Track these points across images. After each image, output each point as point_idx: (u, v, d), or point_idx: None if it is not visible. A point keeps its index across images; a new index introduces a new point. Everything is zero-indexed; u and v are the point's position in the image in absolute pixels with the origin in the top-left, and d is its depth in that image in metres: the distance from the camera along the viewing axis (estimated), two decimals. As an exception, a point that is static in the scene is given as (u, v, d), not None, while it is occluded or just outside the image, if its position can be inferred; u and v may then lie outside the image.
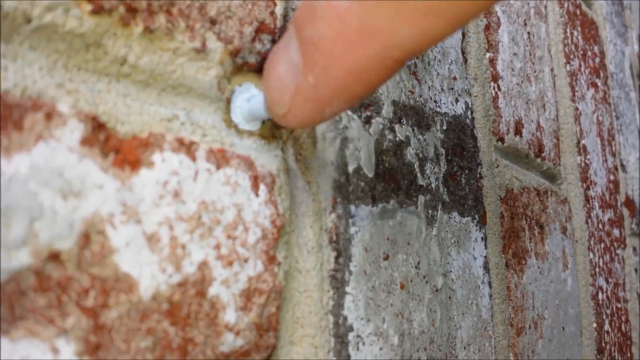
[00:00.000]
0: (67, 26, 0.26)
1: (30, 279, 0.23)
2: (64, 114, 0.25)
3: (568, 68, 0.81)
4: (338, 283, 0.36)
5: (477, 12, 0.27)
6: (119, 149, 0.26)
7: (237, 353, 0.30)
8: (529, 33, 0.70)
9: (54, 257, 0.23)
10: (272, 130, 0.35)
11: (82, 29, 0.26)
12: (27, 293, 0.23)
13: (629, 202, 0.97)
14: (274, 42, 0.36)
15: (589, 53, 0.91)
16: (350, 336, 0.36)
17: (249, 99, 0.34)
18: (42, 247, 0.23)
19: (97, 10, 0.27)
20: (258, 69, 0.35)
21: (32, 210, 0.23)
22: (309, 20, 0.28)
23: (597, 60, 0.94)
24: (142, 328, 0.26)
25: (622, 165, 0.97)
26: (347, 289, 0.37)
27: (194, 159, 0.29)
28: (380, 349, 0.38)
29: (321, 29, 0.28)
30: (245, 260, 0.31)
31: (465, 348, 0.47)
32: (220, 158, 0.31)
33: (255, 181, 0.33)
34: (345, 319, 0.36)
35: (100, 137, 0.26)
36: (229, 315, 0.30)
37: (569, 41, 0.83)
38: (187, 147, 0.29)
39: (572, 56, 0.83)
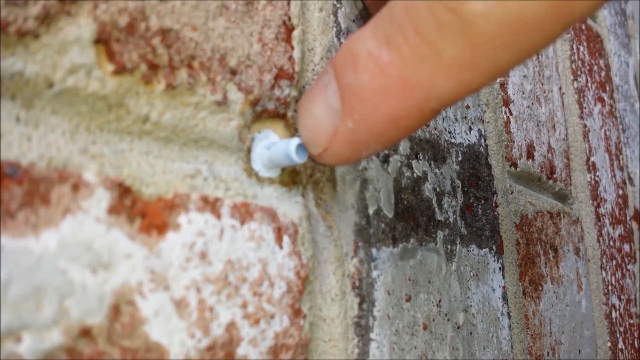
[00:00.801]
0: (90, 88, 0.26)
1: (62, 357, 0.22)
2: (90, 183, 0.24)
3: (575, 85, 0.80)
4: (362, 330, 0.36)
5: (515, 64, 0.26)
6: (145, 213, 0.26)
7: (266, 412, 0.30)
8: (537, 53, 0.70)
9: (85, 332, 0.23)
10: (291, 176, 0.35)
11: (105, 90, 0.26)
12: (59, 372, 0.22)
13: (637, 216, 0.96)
14: (291, 87, 0.35)
15: (595, 67, 0.90)
16: (376, 383, 0.36)
17: (269, 147, 0.33)
18: (74, 324, 0.22)
19: (120, 70, 0.26)
20: (276, 115, 0.34)
21: (62, 288, 0.22)
22: (350, 68, 0.29)
23: (603, 74, 0.94)
24: (173, 397, 0.25)
25: (630, 179, 0.96)
26: (372, 335, 0.36)
27: (218, 216, 0.29)
28: (406, 393, 0.38)
29: (362, 79, 0.28)
30: (272, 317, 0.30)
31: (487, 383, 0.46)
32: (244, 213, 0.30)
33: (279, 233, 0.32)
34: (371, 366, 0.36)
35: (127, 202, 0.25)
36: (258, 375, 0.29)
37: (576, 57, 0.83)
38: (211, 205, 0.29)
39: (579, 72, 0.82)
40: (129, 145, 0.27)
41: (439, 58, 0.26)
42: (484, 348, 0.47)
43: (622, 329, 0.80)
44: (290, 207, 0.34)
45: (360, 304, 0.36)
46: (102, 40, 0.26)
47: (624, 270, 0.85)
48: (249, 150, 0.33)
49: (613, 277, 0.80)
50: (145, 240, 0.25)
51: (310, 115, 0.32)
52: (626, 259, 0.87)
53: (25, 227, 0.22)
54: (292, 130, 0.35)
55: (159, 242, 0.26)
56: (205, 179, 0.29)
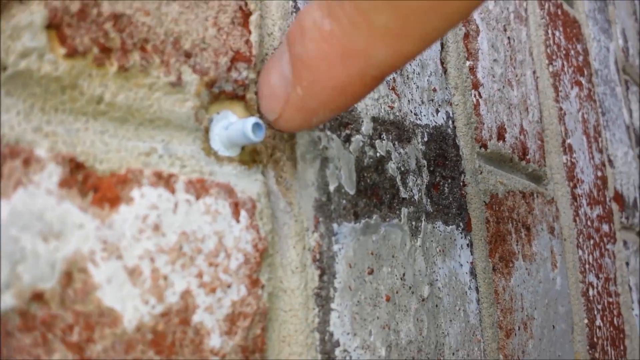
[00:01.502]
0: (43, 71, 0.27)
1: (15, 319, 0.23)
2: (42, 158, 0.25)
3: (551, 69, 0.81)
4: (323, 300, 0.37)
5: (444, 30, 0.28)
6: (97, 188, 0.27)
7: (223, 376, 0.31)
8: (509, 38, 0.71)
9: (38, 297, 0.24)
10: (252, 155, 0.36)
11: (57, 72, 0.27)
12: (13, 333, 0.23)
13: (618, 197, 0.97)
14: (249, 69, 0.36)
15: (572, 52, 0.91)
16: (337, 351, 0.37)
17: (227, 127, 0.35)
18: (26, 288, 0.24)
19: (72, 53, 0.28)
20: (235, 97, 0.36)
21: (14, 254, 0.23)
22: (299, 38, 0.31)
23: (581, 58, 0.95)
24: (128, 359, 0.27)
25: (610, 161, 0.97)
26: (332, 305, 0.37)
27: (173, 191, 0.30)
28: (367, 361, 0.39)
29: (309, 48, 0.30)
30: (229, 286, 0.32)
31: (453, 354, 0.47)
32: (199, 188, 0.32)
33: (236, 208, 0.33)
34: (332, 335, 0.37)
35: (79, 177, 0.27)
36: (214, 341, 0.30)
37: (551, 42, 0.84)
38: (165, 180, 0.30)
39: (554, 57, 0.83)
40: (84, 125, 0.28)
41: (372, 27, 0.27)
42: (451, 320, 0.48)
43: (600, 307, 0.81)
44: (249, 184, 0.35)
45: (320, 276, 0.37)
46: (53, 25, 0.27)
47: (603, 249, 0.86)
48: (207, 130, 0.34)
49: (590, 256, 0.81)
50: (97, 213, 0.27)
51: (267, 84, 0.34)
52: (605, 239, 0.88)
53: (-23, 198, 0.23)
54: (252, 111, 0.37)
55: (112, 215, 0.27)
56: (161, 157, 0.31)
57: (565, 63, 0.87)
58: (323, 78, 0.30)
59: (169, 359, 0.28)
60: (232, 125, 0.34)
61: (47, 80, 0.27)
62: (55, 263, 0.25)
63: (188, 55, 0.33)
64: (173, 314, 0.29)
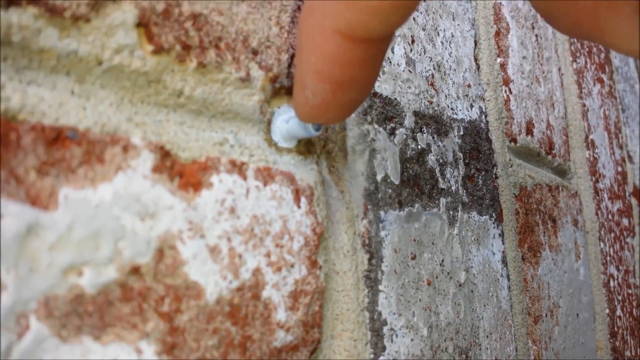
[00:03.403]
0: (133, 66, 0.29)
1: (116, 290, 0.26)
2: (137, 146, 0.28)
3: (574, 66, 0.83)
4: (372, 282, 0.40)
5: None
6: (182, 173, 0.30)
7: (287, 347, 0.33)
8: (536, 35, 0.73)
9: (135, 270, 0.27)
10: (307, 146, 0.38)
11: (145, 67, 0.30)
12: (114, 303, 0.26)
13: (636, 192, 0.99)
14: (307, 66, 0.39)
15: (594, 49, 0.93)
16: (385, 329, 0.40)
17: (287, 120, 0.37)
18: (126, 262, 0.26)
19: (158, 50, 0.30)
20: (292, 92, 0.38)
21: (116, 232, 0.26)
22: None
23: (602, 55, 0.97)
24: (209, 328, 0.29)
25: (629, 157, 0.99)
26: (380, 287, 0.40)
27: (245, 178, 0.33)
28: (412, 340, 0.41)
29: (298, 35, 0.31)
30: (292, 266, 0.34)
31: (487, 337, 0.50)
32: (266, 176, 0.34)
33: (297, 194, 0.36)
34: (380, 314, 0.39)
35: (167, 163, 0.29)
36: (280, 315, 0.33)
37: (575, 40, 0.86)
38: (239, 168, 0.33)
39: (578, 54, 0.85)
40: (166, 117, 0.31)
41: None
42: (485, 305, 0.50)
43: (620, 298, 0.83)
44: (306, 173, 0.37)
45: (369, 260, 0.40)
46: (142, 24, 0.30)
47: (623, 243, 0.89)
48: (269, 123, 0.37)
49: (611, 249, 0.83)
50: (184, 196, 0.29)
51: (294, 98, 0.35)
52: (625, 233, 0.90)
53: (84, 181, 0.26)
54: (307, 105, 0.39)
55: (195, 198, 0.30)
56: (232, 146, 0.33)
57: (588, 60, 0.89)
58: (301, 46, 0.31)
59: (243, 329, 0.31)
60: (292, 119, 0.37)
61: (136, 75, 0.29)
62: (150, 240, 0.27)
63: (255, 52, 0.35)
64: (246, 289, 0.31)
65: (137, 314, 0.27)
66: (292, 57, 0.38)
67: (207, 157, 0.31)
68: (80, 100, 0.28)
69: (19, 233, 0.23)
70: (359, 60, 0.30)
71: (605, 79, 0.96)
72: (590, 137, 0.83)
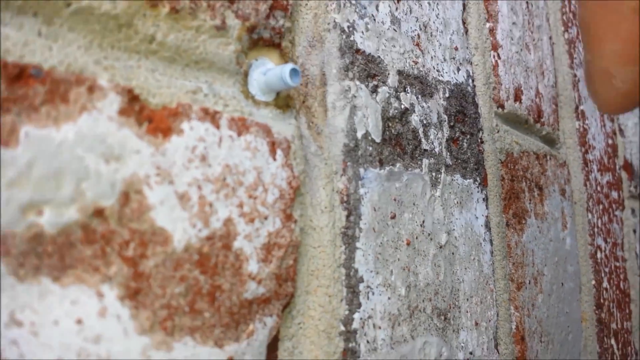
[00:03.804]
0: (102, 8, 0.29)
1: (78, 232, 0.25)
2: (104, 87, 0.27)
3: (566, 36, 0.82)
4: (349, 239, 0.39)
5: None
6: (151, 119, 0.29)
7: (259, 300, 0.33)
8: (527, 2, 0.72)
9: (99, 213, 0.26)
10: (286, 100, 0.38)
11: (116, 10, 0.29)
12: (76, 245, 0.25)
13: (627, 166, 0.99)
14: (285, 18, 0.38)
15: (588, 22, 0.92)
16: (361, 286, 0.39)
17: (265, 72, 0.37)
18: (88, 204, 0.26)
19: (128, -7, 0.29)
20: (271, 44, 0.37)
21: (79, 172, 0.25)
22: None
23: (596, 28, 0.96)
24: (176, 276, 0.29)
25: (621, 130, 0.99)
26: (358, 244, 0.40)
27: (217, 126, 0.32)
28: (389, 298, 0.41)
29: None
30: (265, 218, 0.34)
31: (467, 300, 0.49)
32: (241, 126, 0.34)
33: (273, 146, 0.35)
34: (357, 271, 0.39)
35: (135, 107, 0.28)
36: (252, 266, 0.33)
37: (567, 9, 0.85)
38: (211, 116, 0.32)
39: (570, 24, 0.85)
40: (137, 63, 0.30)
41: None
42: (466, 268, 0.50)
43: (607, 270, 0.83)
44: (284, 127, 0.37)
45: (347, 217, 0.39)
46: (112, -35, 0.29)
47: (612, 215, 0.88)
48: (246, 75, 0.36)
49: (599, 221, 0.83)
50: (152, 140, 0.29)
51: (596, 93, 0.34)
52: (614, 205, 0.90)
53: (47, 120, 0.25)
54: (287, 58, 0.39)
55: (164, 143, 0.29)
56: (206, 95, 0.33)
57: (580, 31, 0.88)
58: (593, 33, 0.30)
59: (212, 279, 0.30)
60: (270, 71, 0.36)
61: (106, 18, 0.29)
62: (115, 183, 0.27)
63: (231, 0, 0.35)
64: (217, 238, 0.31)
65: (100, 257, 0.26)
66: (271, 8, 0.37)
67: (178, 103, 0.31)
68: (47, 41, 0.27)
69: (-26, 167, 0.22)
70: None
71: (598, 51, 0.95)
72: (581, 107, 0.83)
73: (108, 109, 0.27)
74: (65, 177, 0.25)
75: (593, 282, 0.78)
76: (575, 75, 0.82)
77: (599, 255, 0.81)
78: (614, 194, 0.91)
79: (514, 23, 0.67)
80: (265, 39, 0.37)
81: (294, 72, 0.35)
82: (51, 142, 0.25)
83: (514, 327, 0.56)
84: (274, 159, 0.35)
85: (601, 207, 0.84)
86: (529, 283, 0.60)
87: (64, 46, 0.27)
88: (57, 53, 0.27)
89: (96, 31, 0.29)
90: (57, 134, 0.25)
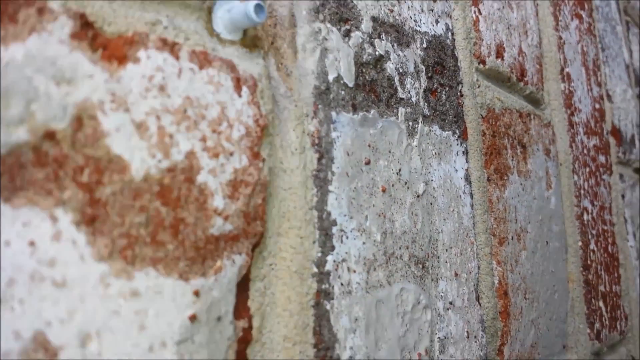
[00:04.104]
0: None
1: (29, 154, 0.25)
2: (54, 10, 0.27)
3: (551, -2, 0.82)
4: (321, 182, 0.38)
5: None
6: (106, 46, 0.28)
7: (227, 237, 0.32)
8: (510, -37, 0.71)
9: (50, 136, 0.25)
10: (253, 40, 0.37)
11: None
12: (27, 166, 0.25)
13: (615, 132, 0.98)
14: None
15: (573, -15, 0.92)
16: (334, 230, 0.39)
17: (230, 9, 0.36)
18: (39, 126, 0.25)
19: None
20: (238, -18, 0.37)
21: (28, 93, 0.25)
22: None
23: (582, -7, 0.95)
24: (135, 205, 0.28)
25: (609, 96, 0.98)
26: (330, 187, 0.39)
27: (177, 58, 0.31)
28: (364, 243, 0.40)
29: None
30: (231, 154, 0.33)
31: (447, 250, 0.49)
32: (203, 59, 0.33)
33: (238, 83, 0.34)
34: (329, 214, 0.39)
35: (89, 34, 0.28)
36: (217, 202, 0.32)
37: (552, -27, 0.84)
38: (170, 47, 0.31)
39: (555, -13, 0.84)
40: (94, -8, 0.30)
41: None
42: (444, 220, 0.49)
43: (594, 232, 0.83)
44: (250, 65, 0.36)
45: (319, 159, 0.39)
46: None
47: (599, 179, 0.88)
48: (209, 11, 0.35)
49: (586, 183, 0.82)
50: (107, 67, 0.28)
51: None
52: (601, 169, 0.89)
53: (-7, 38, 0.24)
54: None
55: (119, 71, 0.29)
56: (165, 28, 0.32)
57: (566, -5, 0.88)
58: None
59: (175, 211, 0.30)
60: (234, 8, 0.36)
61: (57, -58, 0.28)
62: (67, 107, 0.26)
63: None
64: (178, 171, 0.30)
65: (52, 180, 0.25)
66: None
67: (135, 31, 0.30)
68: (-5, -35, 0.26)
69: None
70: None
71: (584, 15, 0.94)
72: (566, 70, 0.82)
73: (59, 32, 0.26)
74: (14, 97, 0.24)
75: (580, 243, 0.78)
76: (560, 38, 0.81)
77: (585, 217, 0.80)
78: (602, 158, 0.90)
79: (494, -21, 0.66)
80: (231, -23, 0.36)
81: (258, 7, 0.35)
82: (-3, 60, 0.24)
83: (496, 281, 0.56)
84: (239, 95, 0.34)
85: (588, 169, 0.84)
86: (512, 239, 0.60)
87: (15, -29, 0.27)
88: (5, -25, 0.26)
89: (49, -42, 0.28)
90: (5, 53, 0.24)
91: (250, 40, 0.37)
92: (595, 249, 0.82)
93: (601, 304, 0.82)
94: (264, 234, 0.35)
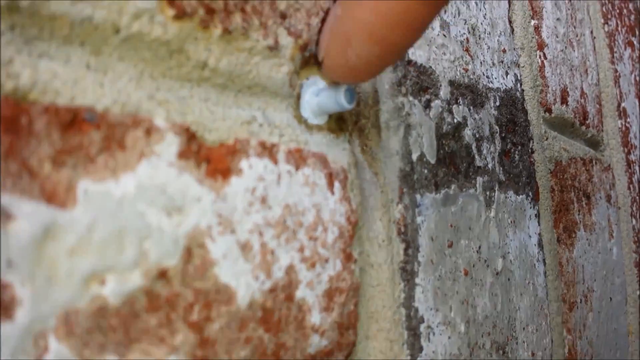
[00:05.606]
0: (153, 34, 0.27)
1: (142, 299, 0.24)
2: (161, 128, 0.26)
3: (606, 28, 0.81)
4: (408, 275, 0.38)
5: None
6: (209, 159, 0.27)
7: (322, 353, 0.32)
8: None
9: (162, 274, 0.25)
10: (338, 123, 0.36)
11: (167, 35, 0.27)
12: (140, 314, 0.24)
13: (666, 163, 0.98)
14: (338, 31, 0.36)
15: (625, 11, 0.91)
16: (422, 327, 0.38)
17: (317, 93, 0.35)
18: (152, 266, 0.24)
19: (180, 15, 0.28)
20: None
21: (141, 230, 0.24)
22: None
23: (632, 17, 0.94)
24: (241, 338, 0.27)
25: (659, 125, 0.98)
26: (417, 280, 0.38)
27: (275, 162, 0.30)
28: (449, 337, 0.40)
29: None
30: (326, 261, 0.32)
31: (524, 329, 0.48)
32: (298, 158, 0.32)
33: (330, 179, 0.34)
34: (417, 310, 0.38)
35: (193, 147, 0.27)
36: (315, 317, 0.31)
37: (606, 0, 0.83)
38: (269, 151, 0.30)
39: (609, 15, 0.83)
40: (189, 92, 0.29)
41: None
42: (521, 294, 0.49)
43: (650, 278, 0.82)
44: (338, 153, 0.35)
45: (405, 250, 0.38)
46: (163, -14, 0.27)
47: (653, 218, 0.87)
48: (298, 97, 0.34)
49: (642, 226, 0.82)
50: (212, 185, 0.27)
51: (323, 31, 0.34)
52: (655, 207, 0.89)
53: (105, 171, 0.23)
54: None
55: (224, 187, 0.28)
56: (261, 125, 0.31)
57: (619, 22, 0.87)
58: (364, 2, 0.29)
59: (276, 337, 0.29)
60: (322, 92, 0.35)
61: (157, 44, 0.27)
62: (178, 239, 0.25)
63: (283, 16, 0.33)
64: (279, 289, 0.29)
65: (165, 325, 0.25)
66: (322, 20, 0.35)
67: (236, 139, 0.29)
68: (97, 75, 0.25)
69: (34, 237, 0.21)
70: (423, 21, 0.29)
71: (635, 42, 0.93)
72: (623, 104, 0.81)
73: (167, 153, 0.26)
74: (128, 238, 0.23)
75: (638, 292, 0.77)
76: (616, 71, 0.81)
77: (642, 263, 0.80)
78: (655, 196, 0.90)
79: (557, 19, 0.65)
80: (316, 57, 0.35)
81: (349, 92, 0.34)
82: (111, 197, 0.23)
83: (566, 351, 0.55)
84: (332, 193, 0.34)
85: (643, 211, 0.83)
86: (580, 302, 0.59)
87: (115, 79, 0.26)
88: (109, 90, 0.25)
89: (147, 59, 0.27)
90: (117, 187, 0.23)
91: (335, 123, 0.36)
92: (651, 296, 0.82)
93: (657, 356, 0.81)
94: (355, 342, 0.34)
